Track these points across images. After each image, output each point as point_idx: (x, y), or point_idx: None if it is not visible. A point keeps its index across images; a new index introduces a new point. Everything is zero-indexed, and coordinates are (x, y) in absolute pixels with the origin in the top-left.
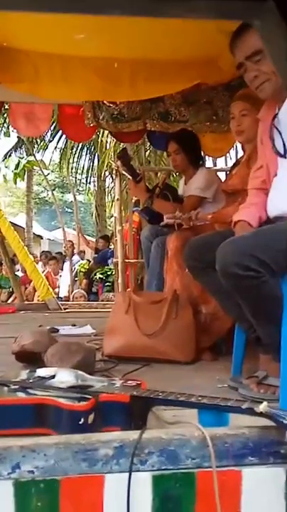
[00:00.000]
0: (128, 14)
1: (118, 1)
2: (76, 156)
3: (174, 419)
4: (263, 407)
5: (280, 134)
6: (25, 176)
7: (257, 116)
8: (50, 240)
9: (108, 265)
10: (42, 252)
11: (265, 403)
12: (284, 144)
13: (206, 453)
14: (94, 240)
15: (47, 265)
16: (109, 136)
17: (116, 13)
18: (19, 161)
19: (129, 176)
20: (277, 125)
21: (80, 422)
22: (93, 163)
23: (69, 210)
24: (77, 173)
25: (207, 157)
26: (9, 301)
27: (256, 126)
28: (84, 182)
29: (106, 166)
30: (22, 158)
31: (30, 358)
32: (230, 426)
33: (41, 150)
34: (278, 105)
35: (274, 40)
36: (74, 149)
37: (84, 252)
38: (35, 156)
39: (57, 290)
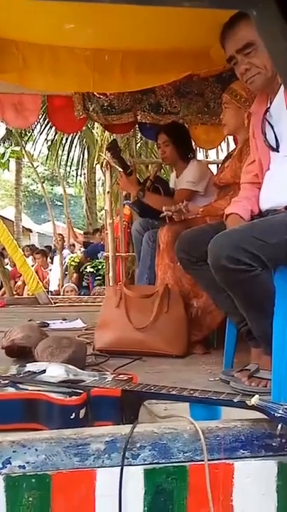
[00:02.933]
0: (120, 2)
1: None
2: (66, 148)
3: (166, 413)
4: (254, 400)
5: (272, 127)
6: (14, 169)
7: (249, 110)
8: (39, 233)
9: (98, 259)
10: (25, 246)
11: (256, 396)
12: (276, 138)
13: (198, 446)
14: (82, 233)
15: (35, 259)
16: (100, 127)
17: (106, 0)
18: (5, 151)
19: (120, 169)
20: (269, 119)
21: (71, 417)
22: (83, 155)
23: (59, 203)
24: (66, 165)
25: (198, 149)
26: None
27: (237, 118)
28: (74, 175)
29: (97, 159)
30: (8, 148)
31: (21, 353)
32: (222, 419)
33: (31, 142)
34: (269, 99)
35: (271, 32)
36: (64, 141)
37: (75, 245)
38: (24, 148)
39: (46, 283)
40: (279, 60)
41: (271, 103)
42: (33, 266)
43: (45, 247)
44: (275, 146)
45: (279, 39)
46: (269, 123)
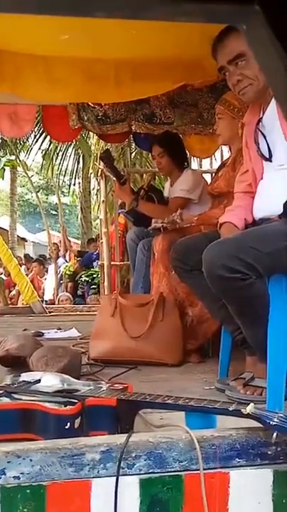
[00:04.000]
0: (114, 16)
1: (103, 3)
2: (60, 157)
3: (161, 422)
4: (250, 408)
5: (264, 137)
6: (9, 178)
7: (242, 120)
8: (34, 242)
9: (93, 268)
10: (25, 254)
11: (252, 405)
12: (269, 148)
13: (193, 455)
14: (78, 242)
15: (31, 268)
16: (95, 137)
17: (101, 15)
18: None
19: (114, 178)
20: (261, 129)
21: (66, 427)
22: (78, 164)
23: (53, 213)
24: (60, 174)
25: (192, 158)
26: None
27: (231, 128)
28: (69, 184)
29: (91, 168)
30: (3, 157)
31: (15, 363)
32: (217, 428)
33: (25, 151)
34: (262, 109)
35: (260, 44)
36: (58, 149)
37: (65, 255)
38: (18, 157)
39: (41, 292)
40: (270, 73)
41: (263, 113)
42: (27, 275)
43: (40, 256)
44: (268, 156)
45: (270, 53)
46: (262, 133)
